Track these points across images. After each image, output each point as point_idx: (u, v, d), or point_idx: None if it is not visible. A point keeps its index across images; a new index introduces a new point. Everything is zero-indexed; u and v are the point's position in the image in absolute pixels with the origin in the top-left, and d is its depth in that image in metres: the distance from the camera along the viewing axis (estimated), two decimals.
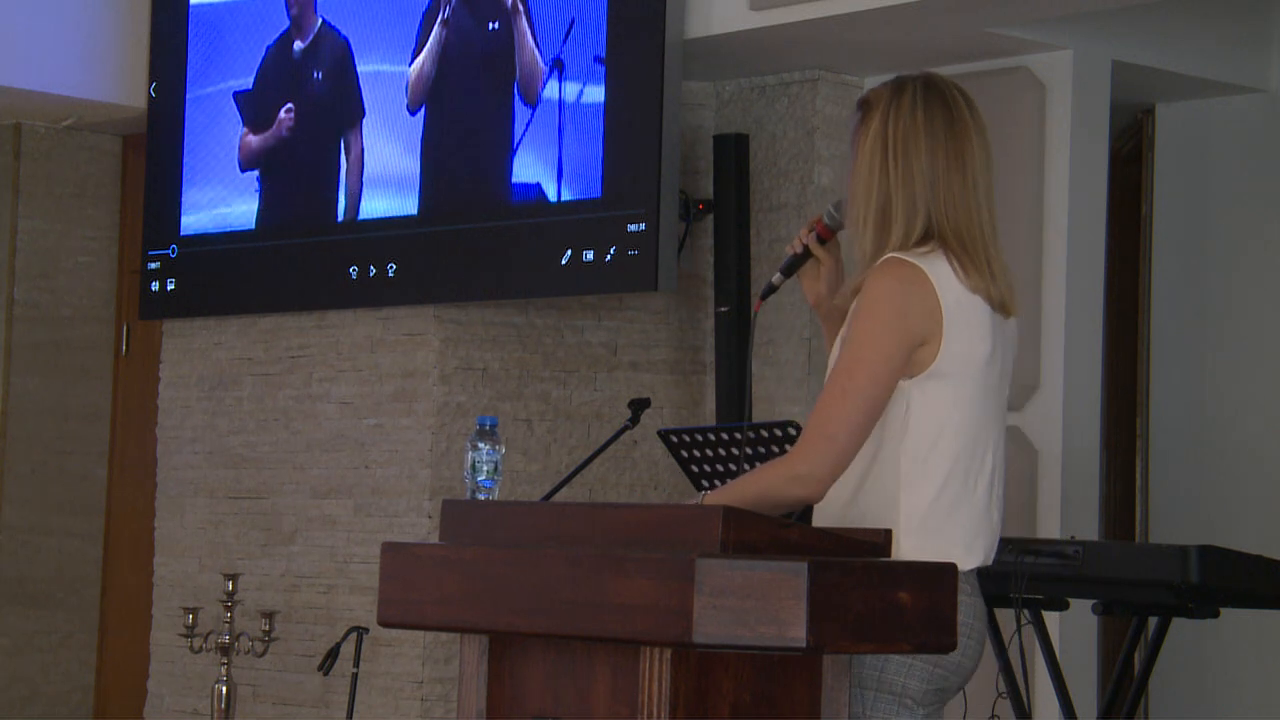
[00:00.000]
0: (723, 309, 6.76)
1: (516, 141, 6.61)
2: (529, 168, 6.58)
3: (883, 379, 3.43)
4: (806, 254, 3.70)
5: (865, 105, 3.60)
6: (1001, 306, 3.53)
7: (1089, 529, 6.41)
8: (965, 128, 3.56)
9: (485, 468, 3.73)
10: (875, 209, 3.53)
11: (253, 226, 7.39)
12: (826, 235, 3.69)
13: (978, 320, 3.50)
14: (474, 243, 6.68)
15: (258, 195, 7.39)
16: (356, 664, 6.86)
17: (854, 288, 3.53)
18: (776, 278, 3.72)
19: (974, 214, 3.53)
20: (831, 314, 3.69)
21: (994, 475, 3.56)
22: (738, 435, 5.09)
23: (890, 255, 3.49)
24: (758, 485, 3.46)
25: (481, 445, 3.72)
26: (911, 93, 3.56)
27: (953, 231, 3.51)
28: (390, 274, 6.88)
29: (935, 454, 3.48)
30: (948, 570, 3.29)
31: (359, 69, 7.10)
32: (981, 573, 3.59)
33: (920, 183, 3.52)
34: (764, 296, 3.75)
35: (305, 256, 7.18)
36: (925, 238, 3.51)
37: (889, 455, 3.49)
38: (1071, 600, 5.43)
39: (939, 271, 3.48)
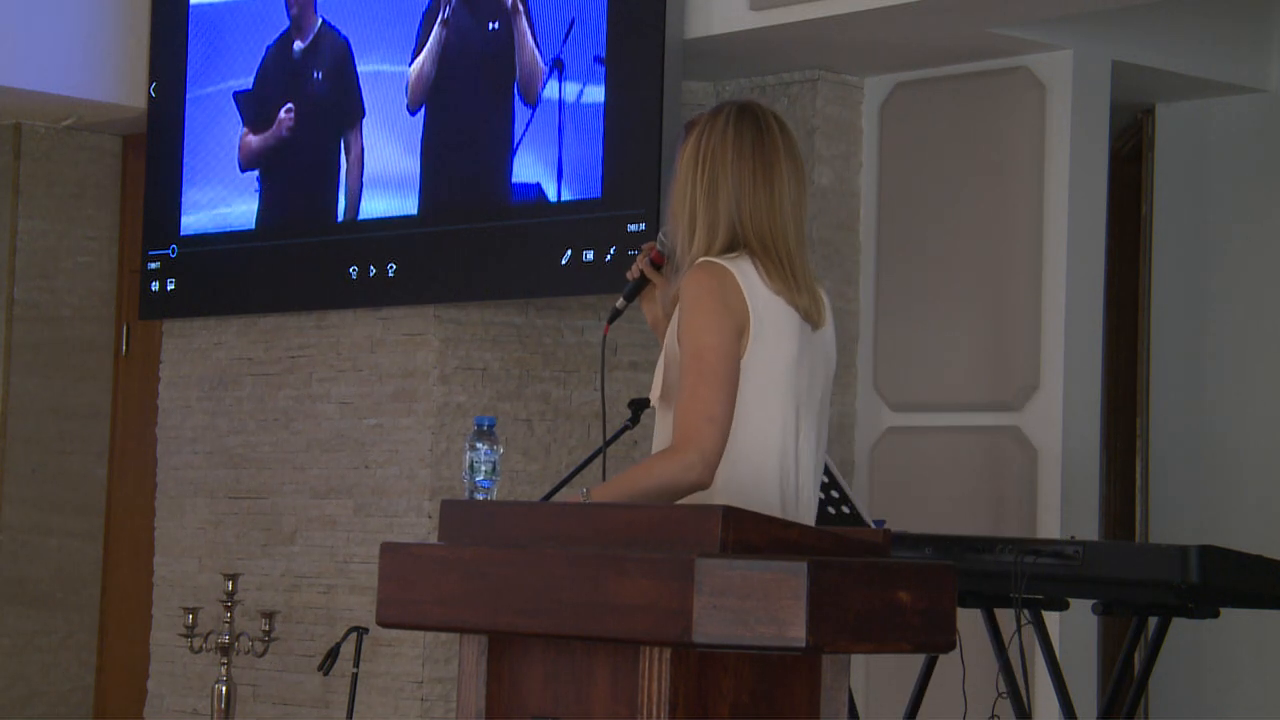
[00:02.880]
0: None
1: (516, 141, 6.61)
2: (529, 168, 6.58)
3: (731, 356, 3.61)
4: (645, 279, 3.94)
5: (689, 126, 3.84)
6: (808, 316, 3.72)
7: (1089, 529, 6.41)
8: (775, 149, 3.75)
9: (483, 468, 3.73)
10: (685, 218, 3.76)
11: (253, 226, 7.39)
12: (660, 260, 3.92)
13: (784, 322, 3.68)
14: (474, 243, 6.68)
15: (258, 195, 7.39)
16: (356, 664, 6.86)
17: (674, 297, 3.75)
18: (620, 302, 3.97)
19: (779, 227, 3.72)
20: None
21: (801, 470, 3.71)
22: None
23: (701, 259, 3.69)
24: (649, 479, 3.58)
25: (480, 445, 3.72)
26: (726, 114, 3.79)
27: (757, 240, 3.70)
28: (390, 274, 6.88)
29: (751, 449, 3.64)
30: (947, 570, 3.29)
31: (359, 69, 7.09)
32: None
33: (725, 195, 3.73)
34: (610, 320, 3.98)
35: (305, 256, 7.18)
36: (732, 246, 3.71)
37: None
38: (1071, 600, 5.43)
39: (745, 272, 3.66)
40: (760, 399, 3.65)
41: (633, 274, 3.94)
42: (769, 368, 3.66)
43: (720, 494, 3.61)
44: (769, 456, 3.66)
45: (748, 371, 3.64)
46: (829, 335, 3.78)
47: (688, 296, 3.65)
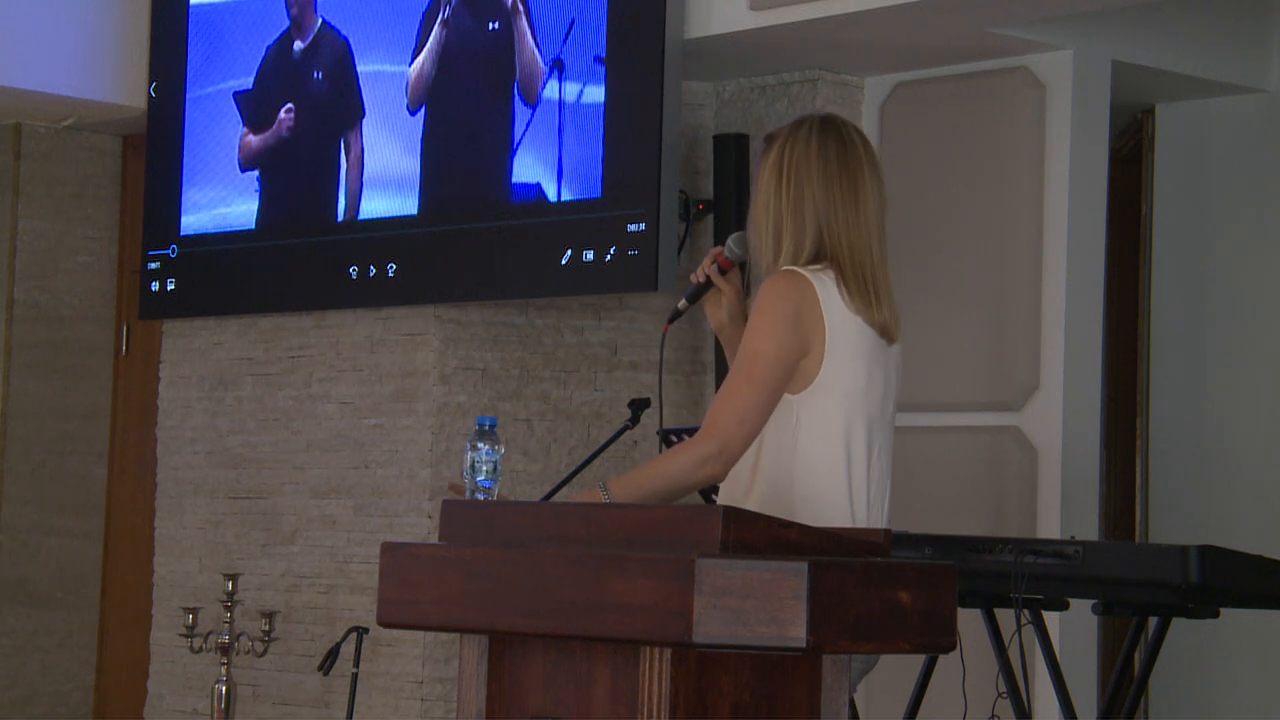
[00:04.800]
0: None
1: (516, 141, 6.61)
2: (529, 168, 6.58)
3: (781, 367, 3.65)
4: (709, 283, 3.95)
5: (769, 139, 3.84)
6: (884, 332, 3.74)
7: (1089, 529, 6.41)
8: (859, 162, 3.77)
9: (485, 468, 3.73)
10: (770, 229, 3.77)
11: (253, 226, 7.39)
12: (727, 266, 3.95)
13: (857, 340, 3.70)
14: (474, 243, 6.68)
15: (258, 195, 7.39)
16: (356, 664, 6.86)
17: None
18: (682, 304, 4.00)
19: (864, 240, 3.75)
20: (732, 339, 3.92)
21: (872, 487, 3.73)
22: None
23: (785, 268, 3.71)
24: (666, 471, 3.64)
25: (481, 445, 3.72)
26: (809, 127, 3.80)
27: (845, 253, 3.73)
28: (390, 274, 6.88)
29: (823, 466, 3.67)
30: (947, 570, 3.29)
31: (359, 69, 7.10)
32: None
33: (811, 206, 3.74)
34: (670, 320, 4.03)
35: (305, 256, 7.18)
36: (817, 258, 3.73)
37: (781, 466, 3.69)
38: (1071, 600, 5.42)
39: (826, 288, 3.69)
40: (832, 416, 3.68)
41: (697, 277, 3.97)
42: (842, 386, 3.68)
43: (791, 511, 3.63)
44: (839, 476, 3.68)
45: (820, 388, 3.67)
46: (897, 348, 3.81)
47: (763, 300, 3.68)
